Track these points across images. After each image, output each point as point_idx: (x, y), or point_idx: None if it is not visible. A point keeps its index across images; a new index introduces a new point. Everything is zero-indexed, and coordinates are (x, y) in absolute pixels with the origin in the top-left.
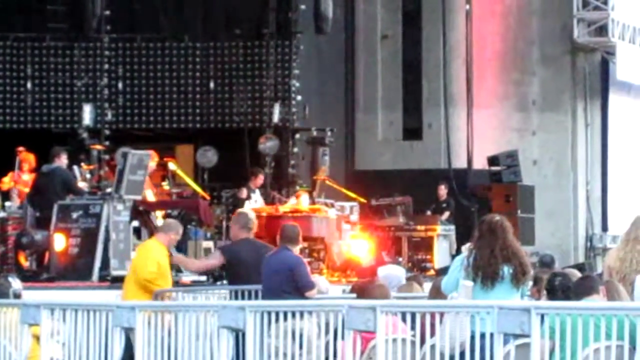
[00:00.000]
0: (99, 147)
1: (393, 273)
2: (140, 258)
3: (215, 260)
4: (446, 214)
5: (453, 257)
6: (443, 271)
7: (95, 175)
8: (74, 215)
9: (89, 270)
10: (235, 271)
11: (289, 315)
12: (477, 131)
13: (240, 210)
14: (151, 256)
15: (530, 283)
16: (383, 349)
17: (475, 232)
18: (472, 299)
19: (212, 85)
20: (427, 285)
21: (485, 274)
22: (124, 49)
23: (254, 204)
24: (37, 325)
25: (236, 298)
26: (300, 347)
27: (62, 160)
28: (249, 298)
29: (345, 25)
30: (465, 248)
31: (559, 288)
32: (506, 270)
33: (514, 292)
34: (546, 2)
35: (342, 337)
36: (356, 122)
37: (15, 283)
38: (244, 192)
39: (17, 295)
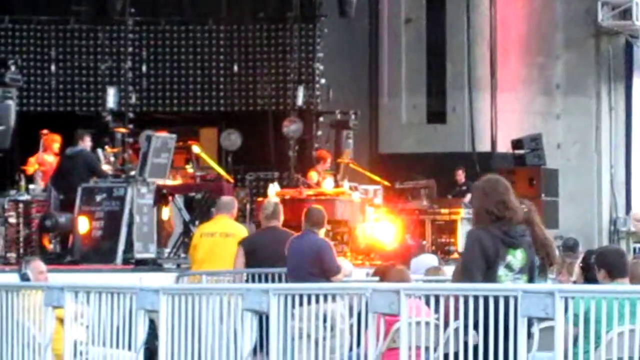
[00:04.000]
0: (123, 130)
1: (425, 261)
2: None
3: (240, 257)
4: (468, 196)
5: None
6: None
7: (119, 158)
8: (98, 198)
9: (112, 253)
10: (256, 260)
11: (313, 298)
12: (501, 114)
13: (267, 199)
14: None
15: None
16: (406, 332)
17: None
18: None
19: (236, 68)
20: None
21: None
22: (148, 32)
23: (277, 188)
24: (61, 308)
25: (259, 281)
26: (325, 329)
27: (86, 143)
28: (272, 281)
29: (369, 9)
30: None
31: (595, 265)
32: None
33: (541, 282)
34: None
35: (366, 320)
36: (380, 106)
37: (36, 264)
38: (313, 177)
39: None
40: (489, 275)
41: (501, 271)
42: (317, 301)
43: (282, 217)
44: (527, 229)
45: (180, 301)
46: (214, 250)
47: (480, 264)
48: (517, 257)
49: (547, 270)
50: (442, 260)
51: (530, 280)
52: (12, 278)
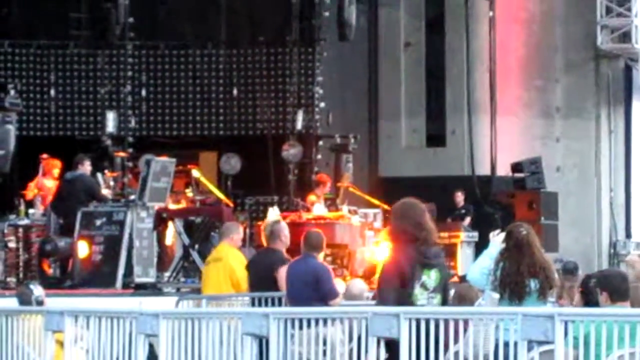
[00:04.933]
0: (122, 154)
1: None
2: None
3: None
4: (467, 220)
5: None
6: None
7: (119, 183)
8: (98, 222)
9: (112, 278)
10: (251, 281)
11: (313, 322)
12: (500, 138)
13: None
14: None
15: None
16: (407, 355)
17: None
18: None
19: (235, 92)
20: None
21: (512, 290)
22: (147, 56)
23: (276, 211)
24: (61, 332)
25: (259, 305)
26: (324, 353)
27: (86, 168)
28: (272, 305)
29: (368, 33)
30: (493, 235)
31: (595, 289)
32: (533, 285)
33: (541, 305)
34: (569, 8)
35: (366, 344)
36: (379, 129)
37: (37, 290)
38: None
39: (40, 302)
40: (405, 293)
41: (416, 290)
42: (317, 325)
43: (284, 236)
44: (442, 250)
45: (180, 325)
46: (207, 275)
47: (395, 284)
48: (431, 277)
49: (546, 293)
50: None
51: (444, 299)
52: (12, 303)
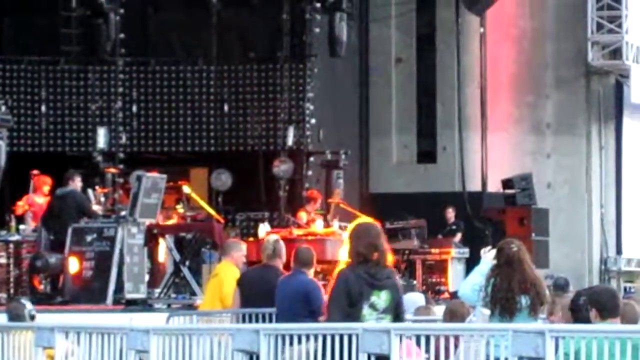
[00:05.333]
0: (113, 170)
1: (412, 299)
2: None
3: (235, 296)
4: (458, 236)
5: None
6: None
7: (110, 199)
8: (88, 238)
9: (103, 294)
10: (245, 297)
11: (303, 339)
12: (491, 154)
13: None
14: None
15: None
16: None
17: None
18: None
19: (226, 108)
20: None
21: (503, 307)
22: (138, 72)
23: (267, 228)
24: (52, 349)
25: (250, 321)
26: None
27: (77, 184)
28: (263, 321)
29: (359, 49)
30: (484, 252)
31: (584, 307)
32: (524, 301)
33: (532, 322)
34: (560, 25)
35: None
36: (370, 145)
37: (29, 305)
38: (302, 217)
39: (32, 317)
40: (353, 313)
41: (365, 310)
42: (306, 340)
43: (283, 255)
44: (394, 272)
45: (171, 341)
46: (205, 291)
47: (342, 303)
48: (381, 298)
49: (537, 309)
50: (432, 300)
51: (396, 319)
52: (2, 318)
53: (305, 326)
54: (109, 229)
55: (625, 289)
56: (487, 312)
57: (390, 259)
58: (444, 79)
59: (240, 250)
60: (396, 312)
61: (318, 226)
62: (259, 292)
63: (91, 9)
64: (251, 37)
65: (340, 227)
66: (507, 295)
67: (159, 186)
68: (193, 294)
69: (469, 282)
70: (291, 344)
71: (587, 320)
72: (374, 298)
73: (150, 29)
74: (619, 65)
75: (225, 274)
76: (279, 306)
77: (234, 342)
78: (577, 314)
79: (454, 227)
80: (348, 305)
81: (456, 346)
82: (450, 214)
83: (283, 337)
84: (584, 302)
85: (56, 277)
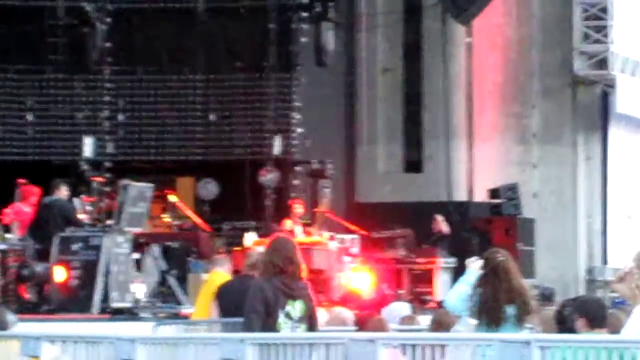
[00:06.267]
0: (100, 179)
1: (397, 309)
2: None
3: (213, 307)
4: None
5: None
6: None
7: (97, 208)
8: (75, 247)
9: (89, 303)
10: (224, 307)
11: (289, 348)
12: (478, 164)
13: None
14: None
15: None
16: None
17: (479, 269)
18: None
19: (213, 117)
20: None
21: (489, 316)
22: (125, 81)
23: (254, 237)
24: (37, 358)
25: (235, 331)
26: None
27: (63, 193)
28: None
29: (346, 58)
30: (470, 262)
31: (570, 318)
32: (510, 311)
33: (519, 331)
34: (547, 35)
35: None
36: (357, 155)
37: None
38: (287, 225)
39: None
40: (270, 322)
41: (281, 319)
42: (292, 350)
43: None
44: (308, 285)
45: (157, 351)
46: (198, 300)
47: (260, 312)
48: (296, 308)
49: (524, 319)
50: (418, 310)
51: (311, 328)
52: None
53: (292, 336)
54: (95, 238)
55: (612, 299)
56: (474, 322)
57: (304, 272)
58: (430, 89)
59: (228, 264)
60: (310, 322)
61: (297, 234)
62: (237, 303)
63: (78, 18)
64: (238, 46)
65: (328, 237)
66: (494, 305)
67: (145, 195)
68: (179, 303)
69: (455, 293)
70: (277, 354)
71: (574, 332)
72: (289, 308)
73: (137, 38)
74: (605, 76)
75: (210, 279)
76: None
77: (219, 351)
78: (564, 325)
79: (440, 235)
80: (265, 314)
81: (443, 356)
82: (438, 223)
83: (269, 346)
84: (570, 313)
85: (43, 286)
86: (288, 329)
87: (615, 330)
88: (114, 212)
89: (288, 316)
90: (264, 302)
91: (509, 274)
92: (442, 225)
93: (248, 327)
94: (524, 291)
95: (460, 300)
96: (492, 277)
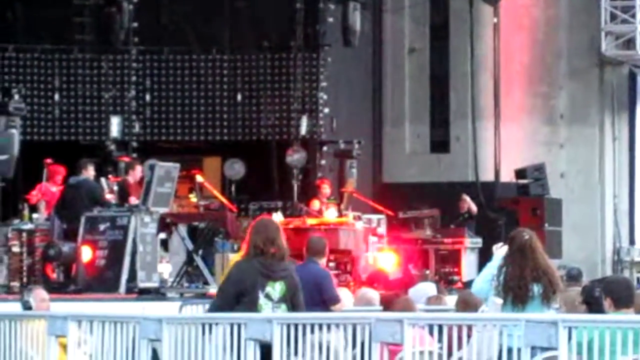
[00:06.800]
0: (126, 159)
1: (423, 289)
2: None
3: None
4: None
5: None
6: (470, 284)
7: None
8: (101, 227)
9: (116, 282)
10: None
11: (316, 328)
12: (504, 144)
13: None
14: None
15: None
16: None
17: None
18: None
19: (239, 97)
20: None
21: (515, 294)
22: (152, 61)
23: (280, 217)
24: (64, 337)
25: None
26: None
27: (90, 172)
28: None
29: (372, 38)
30: (496, 248)
31: (600, 298)
32: (536, 289)
33: (545, 310)
34: (574, 15)
35: (370, 350)
36: (384, 135)
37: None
38: (315, 205)
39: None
40: (249, 302)
41: (261, 300)
42: (319, 330)
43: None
44: (291, 264)
45: (184, 331)
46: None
47: (230, 291)
48: (275, 289)
49: (550, 297)
50: (445, 289)
51: (294, 309)
52: (16, 307)
53: (318, 315)
54: (122, 217)
55: (638, 279)
56: (500, 301)
57: (287, 252)
58: (457, 69)
59: None
60: (292, 302)
61: (330, 215)
62: None
63: None
64: (264, 26)
65: (354, 217)
66: (520, 283)
67: (172, 175)
68: (206, 283)
69: (481, 277)
70: (304, 333)
71: (602, 312)
72: (269, 289)
73: (163, 18)
74: (632, 56)
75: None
76: None
77: (246, 331)
78: (592, 305)
79: (466, 215)
80: (241, 293)
81: (469, 336)
82: (465, 202)
83: (296, 326)
84: (600, 294)
85: (69, 266)
86: (268, 309)
87: None
88: (128, 190)
89: (268, 297)
90: (238, 282)
91: (534, 252)
92: (469, 204)
93: (211, 306)
94: (550, 270)
95: (486, 281)
96: (518, 255)
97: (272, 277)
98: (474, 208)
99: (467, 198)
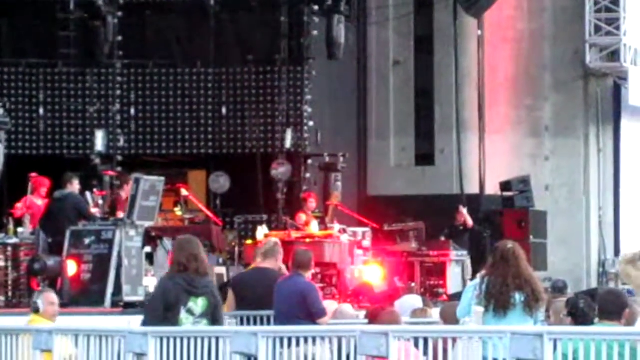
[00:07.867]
0: (111, 173)
1: (409, 301)
2: None
3: (231, 300)
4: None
5: (465, 283)
6: (456, 297)
7: (108, 201)
8: (86, 241)
9: (101, 296)
10: (242, 299)
11: (302, 341)
12: (489, 156)
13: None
14: None
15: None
16: None
17: (488, 258)
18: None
19: (224, 110)
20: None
21: (497, 302)
22: (136, 74)
23: (265, 230)
24: (50, 352)
25: (248, 324)
26: None
27: (74, 186)
28: (261, 324)
29: (357, 51)
30: (480, 276)
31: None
32: (518, 297)
33: (527, 319)
34: (558, 27)
35: None
36: (368, 148)
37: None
38: (301, 218)
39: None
40: (171, 317)
41: (182, 315)
42: (306, 343)
43: (279, 257)
44: (212, 281)
45: (169, 344)
46: None
47: (157, 307)
48: (198, 304)
49: (532, 306)
50: (430, 302)
51: (214, 323)
52: (1, 321)
53: (304, 329)
54: (107, 231)
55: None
56: (481, 309)
57: (207, 268)
58: (441, 82)
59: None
60: (214, 317)
61: (314, 228)
62: (253, 295)
63: (89, 11)
64: (249, 40)
65: (339, 230)
66: (502, 290)
67: (157, 189)
68: None
69: (463, 302)
70: (289, 346)
71: (587, 323)
72: (191, 304)
73: (148, 32)
74: (617, 68)
75: None
76: (277, 308)
77: (232, 344)
78: (578, 317)
79: (460, 227)
80: (165, 309)
81: (454, 348)
82: (462, 215)
83: (281, 339)
84: (585, 305)
85: (54, 280)
86: (190, 324)
87: (629, 321)
88: (117, 206)
89: (190, 312)
90: (163, 298)
91: (518, 260)
92: (466, 217)
93: (142, 323)
94: (533, 279)
95: (467, 300)
96: (501, 264)
97: (194, 292)
98: (469, 222)
99: (464, 211)
